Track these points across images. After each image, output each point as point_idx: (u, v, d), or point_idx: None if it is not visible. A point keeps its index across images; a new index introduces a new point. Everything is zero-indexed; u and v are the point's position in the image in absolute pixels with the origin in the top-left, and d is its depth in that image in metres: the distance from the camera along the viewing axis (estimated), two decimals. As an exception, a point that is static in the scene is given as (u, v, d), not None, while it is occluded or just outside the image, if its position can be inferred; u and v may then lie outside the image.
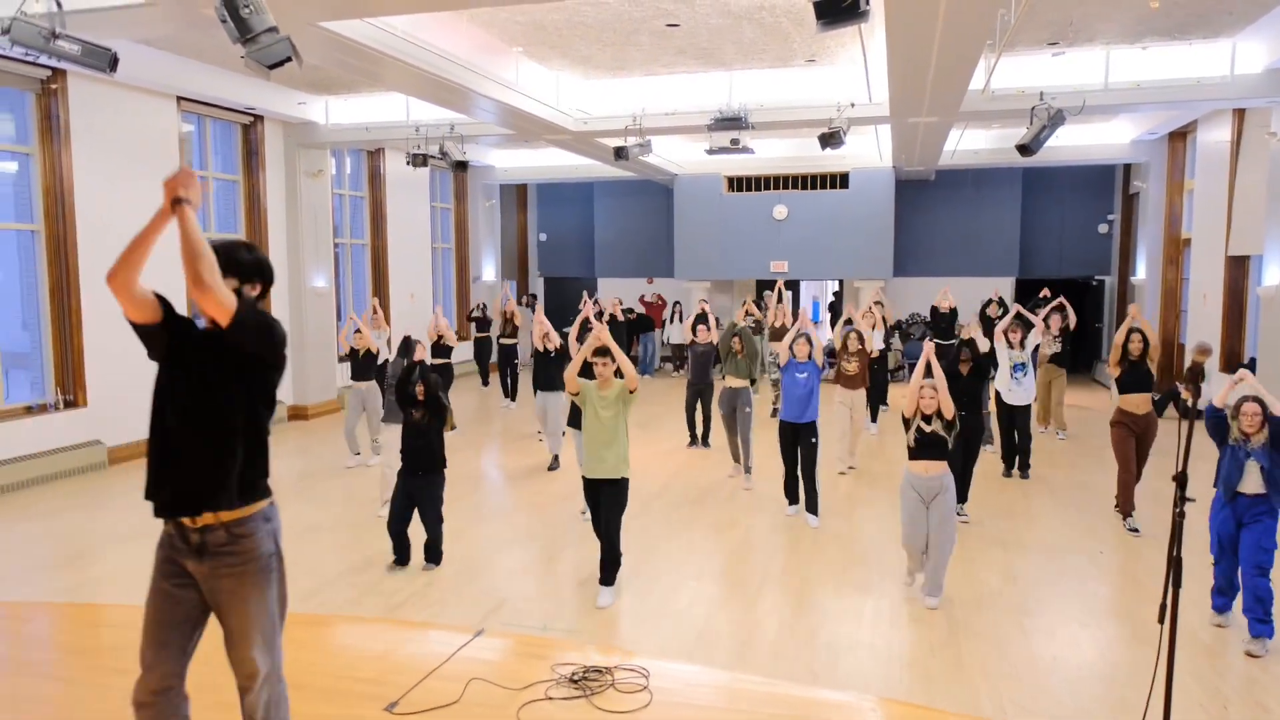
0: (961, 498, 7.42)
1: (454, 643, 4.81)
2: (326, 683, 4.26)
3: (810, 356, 7.53)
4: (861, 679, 4.66)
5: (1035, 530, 7.24)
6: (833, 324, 18.34)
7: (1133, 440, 7.17)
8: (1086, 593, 5.94)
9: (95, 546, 7.00)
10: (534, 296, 19.75)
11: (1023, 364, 8.82)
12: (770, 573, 6.28)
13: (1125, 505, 7.27)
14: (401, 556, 6.34)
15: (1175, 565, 3.43)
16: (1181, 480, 3.48)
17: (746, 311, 12.95)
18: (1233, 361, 11.47)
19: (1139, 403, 7.16)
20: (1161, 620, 3.43)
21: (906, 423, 5.75)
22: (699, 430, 10.55)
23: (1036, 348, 9.38)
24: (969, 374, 7.41)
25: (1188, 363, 11.94)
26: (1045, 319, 10.06)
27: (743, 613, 5.56)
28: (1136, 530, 7.16)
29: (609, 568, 5.75)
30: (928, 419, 5.64)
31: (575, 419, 7.39)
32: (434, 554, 6.35)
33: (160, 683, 2.94)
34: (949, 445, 5.64)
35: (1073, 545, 6.87)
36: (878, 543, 6.87)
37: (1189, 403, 3.74)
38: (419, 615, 5.49)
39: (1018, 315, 9.52)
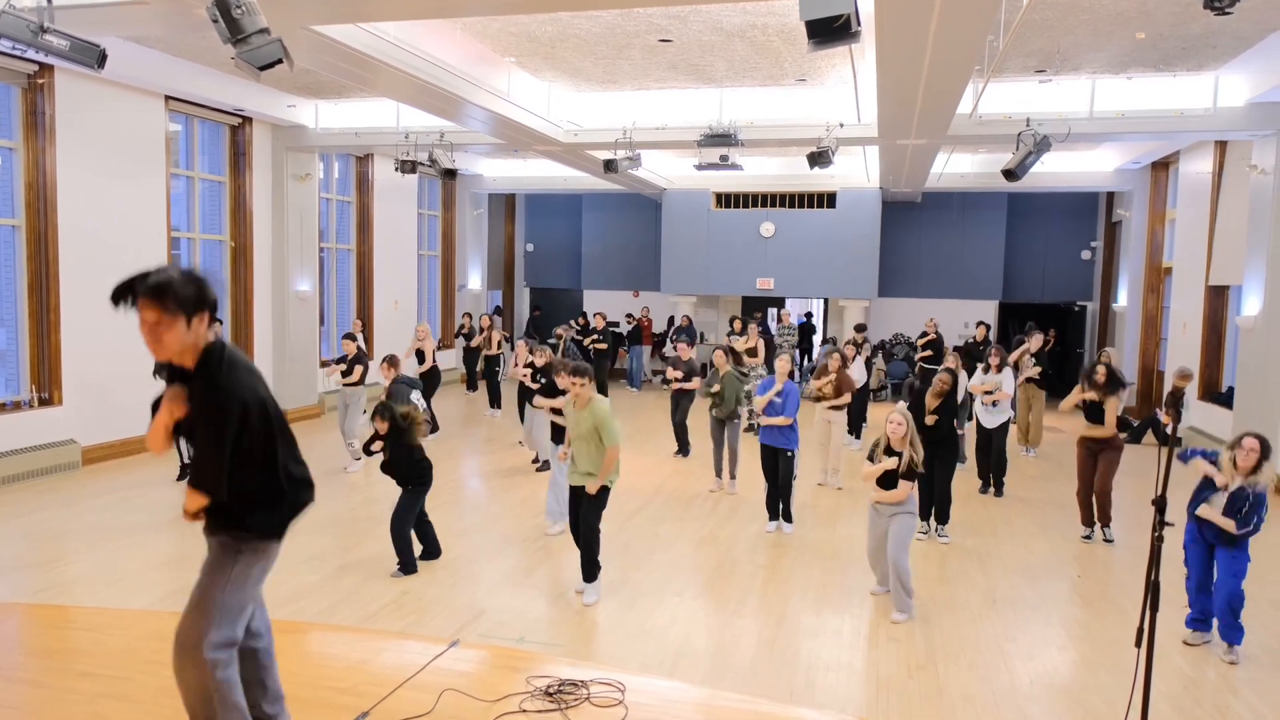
0: (942, 519, 7.48)
1: (429, 653, 4.75)
2: (299, 691, 4.19)
3: (790, 377, 7.73)
4: (840, 699, 4.64)
5: (1015, 551, 7.26)
6: (803, 347, 18.34)
7: (1092, 459, 7.53)
8: (1065, 616, 5.95)
9: (67, 548, 6.89)
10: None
11: (989, 392, 8.90)
12: (751, 590, 6.26)
13: (1085, 517, 7.64)
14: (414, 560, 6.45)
15: (1153, 589, 3.45)
16: (1160, 505, 3.50)
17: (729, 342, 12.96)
18: (1211, 390, 11.58)
19: (1097, 429, 7.48)
20: (1139, 644, 3.44)
21: (871, 456, 5.88)
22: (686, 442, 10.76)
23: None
24: (938, 405, 7.50)
25: (1167, 388, 12.05)
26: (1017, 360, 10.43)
27: (723, 630, 5.54)
28: (1111, 541, 7.53)
29: (588, 567, 5.92)
30: (891, 452, 5.73)
31: (558, 434, 7.45)
32: (400, 561, 6.34)
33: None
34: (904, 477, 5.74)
35: (1051, 567, 6.90)
36: (859, 562, 6.86)
37: (1168, 427, 3.77)
38: (396, 625, 5.44)
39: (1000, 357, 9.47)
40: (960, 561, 6.96)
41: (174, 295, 2.76)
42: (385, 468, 6.39)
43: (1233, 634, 5.19)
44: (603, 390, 14.57)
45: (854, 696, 4.67)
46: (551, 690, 4.25)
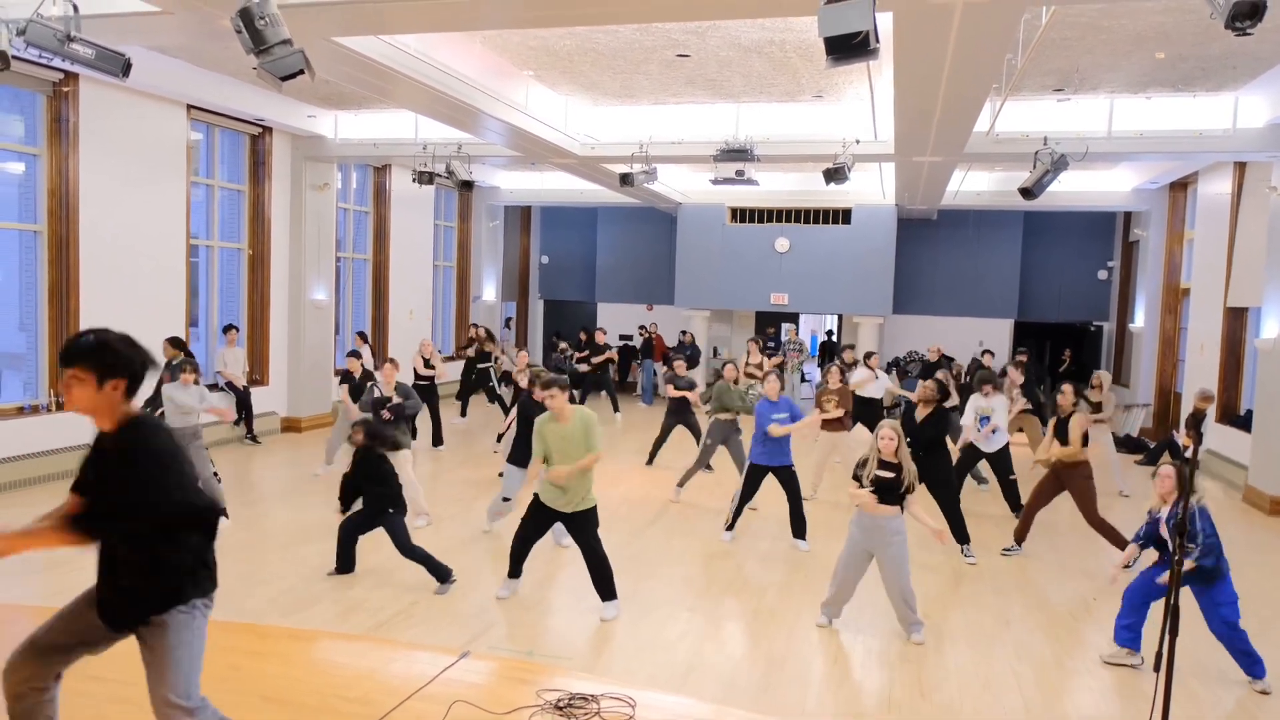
0: (961, 538, 7.42)
1: (439, 664, 4.75)
2: (306, 699, 4.20)
3: (782, 395, 7.65)
4: (852, 718, 4.59)
5: (1029, 572, 7.19)
6: (823, 365, 18.30)
7: (1055, 484, 7.48)
8: (1079, 638, 5.88)
9: (77, 551, 6.90)
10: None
11: (988, 418, 8.78)
12: (763, 606, 6.22)
13: (1020, 531, 7.71)
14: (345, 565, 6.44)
15: (1172, 614, 3.40)
16: (1180, 529, 3.46)
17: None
18: (1229, 413, 11.47)
19: (1068, 454, 7.33)
20: (1157, 668, 3.40)
21: (857, 475, 5.62)
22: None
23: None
24: (927, 417, 7.47)
25: (1185, 410, 11.95)
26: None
27: (734, 645, 5.50)
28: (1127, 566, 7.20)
29: (602, 583, 5.83)
30: (885, 464, 5.49)
31: (517, 456, 7.34)
32: (434, 575, 6.30)
33: None
34: (899, 494, 5.50)
35: (1065, 588, 6.82)
36: (871, 580, 6.80)
37: (1187, 450, 3.74)
38: (405, 634, 5.42)
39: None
40: (973, 582, 6.89)
41: (83, 357, 2.95)
42: (357, 488, 6.27)
43: (1254, 669, 5.03)
44: (614, 405, 14.61)
45: (865, 716, 4.62)
46: (562, 704, 4.24)
